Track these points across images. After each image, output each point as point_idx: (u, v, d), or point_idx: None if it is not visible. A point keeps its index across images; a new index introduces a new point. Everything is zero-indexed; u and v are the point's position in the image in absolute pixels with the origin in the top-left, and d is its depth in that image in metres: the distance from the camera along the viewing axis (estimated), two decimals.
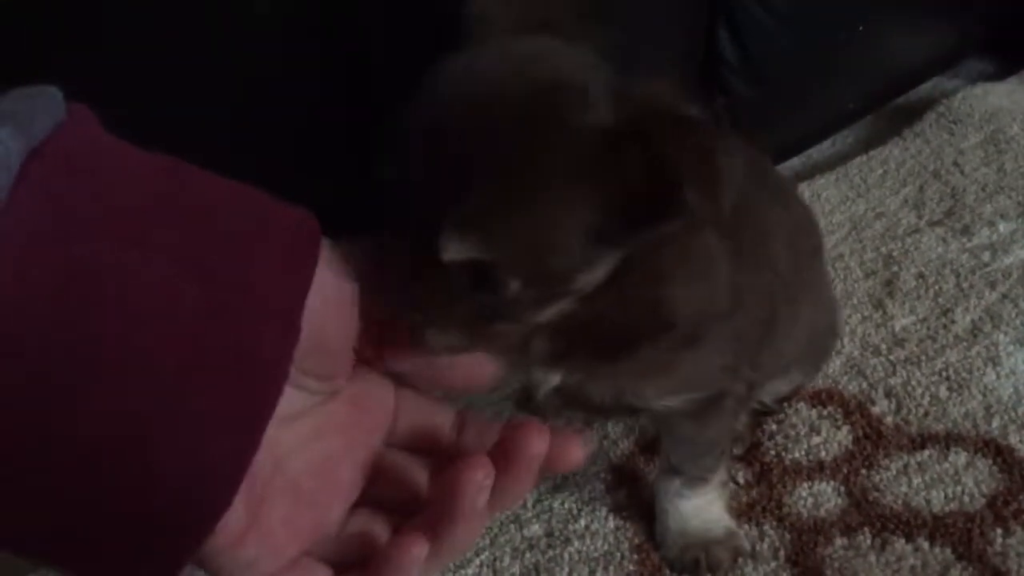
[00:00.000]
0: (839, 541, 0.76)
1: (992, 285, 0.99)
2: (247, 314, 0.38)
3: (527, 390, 0.67)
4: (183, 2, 0.92)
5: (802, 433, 0.85)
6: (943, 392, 0.87)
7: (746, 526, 0.78)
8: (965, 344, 0.92)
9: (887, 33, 1.32)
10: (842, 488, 0.80)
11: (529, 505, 0.83)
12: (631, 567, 0.77)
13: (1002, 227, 1.07)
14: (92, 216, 0.36)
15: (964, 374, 0.89)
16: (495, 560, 0.79)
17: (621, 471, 0.86)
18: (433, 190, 0.42)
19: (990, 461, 0.80)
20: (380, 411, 0.48)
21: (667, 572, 0.76)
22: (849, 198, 1.20)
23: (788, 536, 0.77)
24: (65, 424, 0.35)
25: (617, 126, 0.42)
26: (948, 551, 0.73)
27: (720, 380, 0.65)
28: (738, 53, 1.21)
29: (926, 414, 0.85)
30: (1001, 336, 0.92)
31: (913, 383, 0.89)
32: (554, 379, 0.58)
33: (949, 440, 0.82)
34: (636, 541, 0.79)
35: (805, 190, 1.22)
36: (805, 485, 0.81)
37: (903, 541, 0.74)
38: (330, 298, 0.42)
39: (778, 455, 0.84)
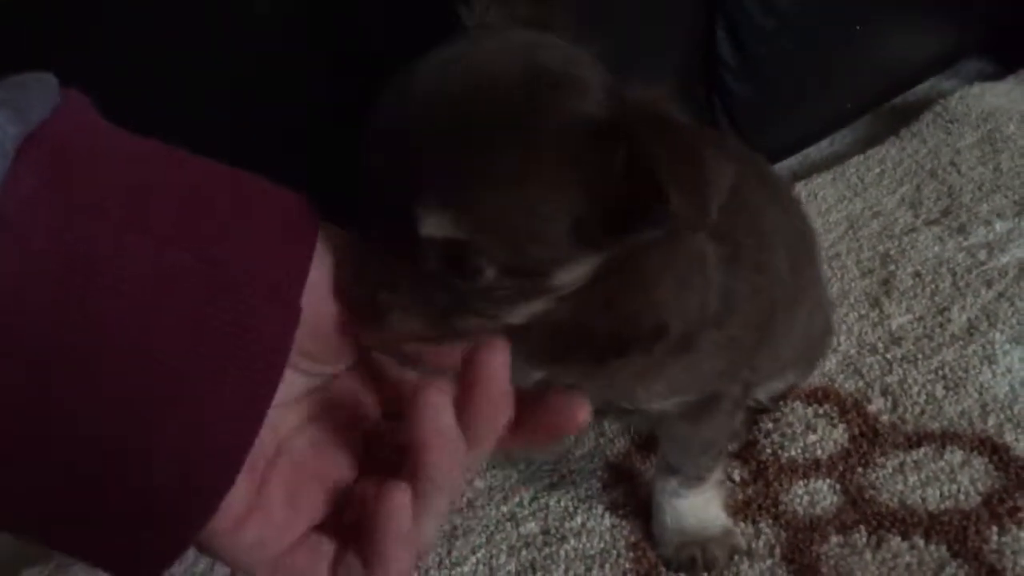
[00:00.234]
0: (835, 539, 0.76)
1: (988, 284, 0.99)
2: (246, 296, 0.38)
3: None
4: (183, 2, 0.93)
5: (798, 431, 0.85)
6: (939, 390, 0.87)
7: (742, 524, 0.78)
8: (961, 343, 0.92)
9: (884, 33, 1.32)
10: (838, 486, 0.80)
11: (525, 503, 0.83)
12: (627, 565, 0.77)
13: (998, 226, 1.07)
14: (90, 200, 0.36)
15: (960, 372, 0.89)
16: (491, 558, 0.79)
17: (617, 469, 0.86)
18: (418, 166, 0.41)
19: (986, 459, 0.80)
20: (378, 390, 0.47)
21: (663, 570, 0.77)
22: (846, 197, 1.20)
23: (784, 534, 0.77)
24: (67, 408, 0.36)
25: (607, 121, 0.41)
26: (943, 549, 0.73)
27: (714, 383, 0.65)
28: (736, 53, 1.21)
29: (922, 412, 0.86)
30: (997, 335, 0.92)
31: (909, 381, 0.89)
32: (536, 374, 0.56)
33: (945, 438, 0.82)
34: (632, 539, 0.79)
35: (802, 189, 1.22)
36: (801, 483, 0.81)
37: (899, 539, 0.74)
38: (327, 280, 0.42)
39: (774, 453, 0.84)
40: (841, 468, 0.82)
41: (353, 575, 0.42)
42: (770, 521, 0.78)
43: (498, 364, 0.42)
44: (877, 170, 1.24)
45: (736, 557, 0.76)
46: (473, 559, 0.79)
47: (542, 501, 0.83)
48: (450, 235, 0.41)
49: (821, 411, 0.87)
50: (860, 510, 0.77)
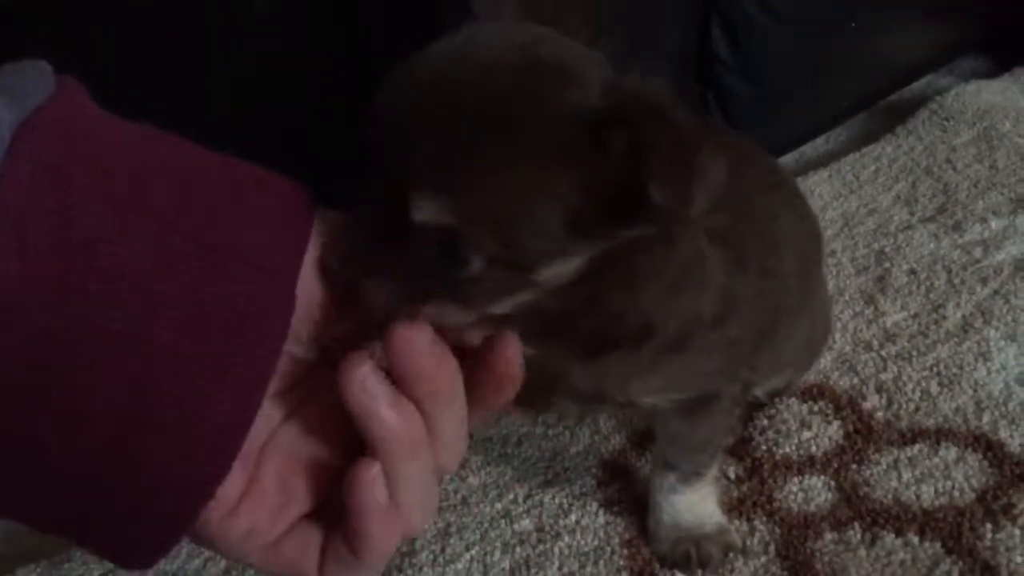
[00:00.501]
0: (829, 535, 0.76)
1: (983, 281, 0.99)
2: (243, 278, 0.38)
3: None
4: (183, 2, 0.93)
5: (793, 428, 0.85)
6: (934, 387, 0.87)
7: (736, 521, 0.78)
8: (956, 340, 0.92)
9: (880, 31, 1.32)
10: (832, 483, 0.80)
11: (520, 500, 0.83)
12: (621, 562, 0.77)
13: (994, 223, 1.07)
14: (87, 184, 0.36)
15: (955, 369, 0.89)
16: (485, 555, 0.79)
17: (612, 466, 0.86)
18: (414, 152, 0.41)
19: (980, 456, 0.80)
20: None
21: (657, 567, 0.76)
22: (842, 195, 1.20)
23: (778, 531, 0.77)
24: (65, 391, 0.35)
25: (604, 113, 0.41)
26: (938, 545, 0.73)
27: (712, 382, 0.65)
28: (732, 50, 1.21)
29: (917, 409, 0.85)
30: (992, 332, 0.92)
31: (904, 378, 0.89)
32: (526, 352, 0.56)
33: (939, 435, 0.82)
34: (626, 536, 0.79)
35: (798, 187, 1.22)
36: (796, 480, 0.81)
37: (893, 535, 0.74)
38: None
39: (769, 450, 0.84)
40: (836, 465, 0.82)
41: (341, 559, 0.42)
42: (764, 518, 0.78)
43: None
44: (873, 167, 1.24)
45: (731, 554, 0.76)
46: (467, 556, 0.79)
47: (536, 498, 0.83)
48: (442, 222, 0.40)
49: (816, 408, 0.87)
50: (855, 507, 0.77)
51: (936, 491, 0.78)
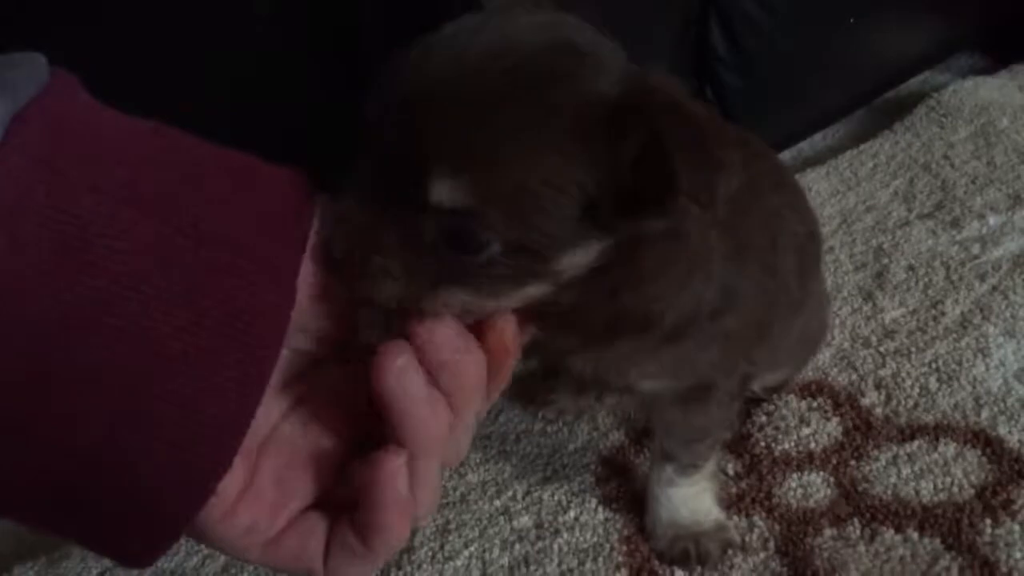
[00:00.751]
0: (828, 532, 0.75)
1: (982, 277, 0.99)
2: (242, 272, 0.38)
3: None
4: (183, 2, 0.92)
5: (792, 424, 0.85)
6: (932, 383, 0.87)
7: (736, 517, 0.78)
8: (955, 336, 0.92)
9: (878, 27, 1.32)
10: (831, 479, 0.80)
11: (519, 497, 0.83)
12: (620, 558, 0.77)
13: (992, 220, 1.07)
14: (82, 177, 0.36)
15: (953, 366, 0.89)
16: (484, 552, 0.79)
17: (611, 463, 0.86)
18: (432, 133, 0.40)
19: (979, 452, 0.80)
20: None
21: (656, 563, 0.76)
22: (839, 191, 1.20)
23: (777, 527, 0.77)
24: (63, 388, 0.35)
25: (626, 102, 0.41)
26: (937, 541, 0.73)
27: (708, 373, 0.65)
28: (729, 46, 1.21)
29: (915, 405, 0.85)
30: (991, 328, 0.92)
31: (903, 375, 0.89)
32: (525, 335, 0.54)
33: (938, 431, 0.82)
34: (625, 532, 0.79)
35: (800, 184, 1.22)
36: (795, 476, 0.81)
37: (892, 531, 0.74)
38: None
39: (768, 446, 0.84)
40: (835, 461, 0.82)
41: (349, 549, 0.42)
42: (764, 514, 0.78)
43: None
44: (870, 164, 1.24)
45: (730, 551, 0.76)
46: (466, 553, 0.79)
47: (535, 495, 0.83)
48: (459, 204, 0.40)
49: (815, 404, 0.87)
50: (854, 503, 0.77)
51: (935, 487, 0.77)
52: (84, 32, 0.86)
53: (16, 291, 0.34)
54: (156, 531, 0.39)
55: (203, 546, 0.69)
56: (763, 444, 0.84)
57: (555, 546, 0.78)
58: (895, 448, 0.82)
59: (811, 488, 0.80)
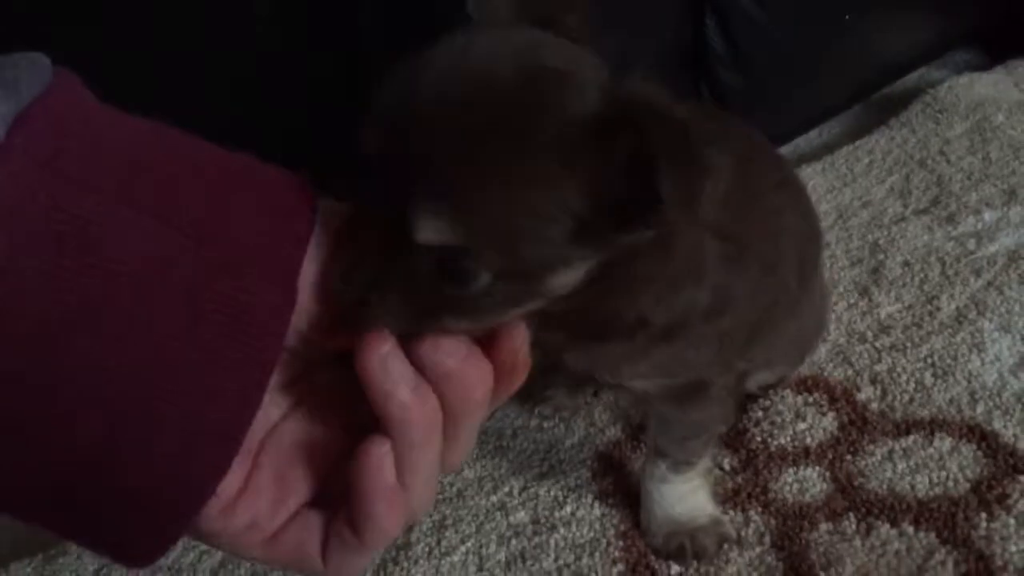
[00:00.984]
0: (824, 526, 0.76)
1: (977, 273, 0.99)
2: (243, 272, 0.38)
3: None
4: (183, 1, 0.92)
5: (788, 419, 0.85)
6: (928, 378, 0.87)
7: (731, 512, 0.78)
8: (950, 331, 0.92)
9: (874, 24, 1.32)
10: (827, 474, 0.80)
11: (515, 492, 0.83)
12: (616, 553, 0.77)
13: (987, 215, 1.07)
14: (83, 176, 0.36)
15: (949, 360, 0.89)
16: (481, 547, 0.79)
17: (607, 459, 0.86)
18: (414, 170, 0.40)
19: (974, 446, 0.80)
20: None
21: (652, 558, 0.76)
22: (836, 187, 1.20)
23: (773, 522, 0.77)
24: (63, 388, 0.35)
25: (607, 119, 0.40)
26: (932, 536, 0.73)
27: (702, 371, 0.65)
28: (726, 43, 1.21)
29: (911, 400, 0.86)
30: (986, 323, 0.92)
31: (898, 370, 0.89)
32: None
33: (934, 426, 0.82)
34: (622, 528, 0.79)
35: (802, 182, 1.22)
36: (790, 471, 0.81)
37: (888, 526, 0.74)
38: (322, 257, 0.41)
39: (764, 441, 0.84)
40: (830, 456, 0.82)
41: (343, 541, 0.42)
42: (759, 509, 0.78)
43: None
44: (866, 160, 1.24)
45: (726, 545, 0.76)
46: (463, 548, 0.79)
47: (532, 490, 0.83)
48: (446, 241, 0.40)
49: (810, 399, 0.88)
50: (849, 497, 0.78)
51: (931, 481, 0.78)
52: (84, 32, 0.86)
53: (16, 291, 0.34)
54: (156, 531, 0.39)
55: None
56: (759, 439, 0.84)
57: (552, 541, 0.78)
58: (891, 443, 0.82)
59: (807, 483, 0.80)
